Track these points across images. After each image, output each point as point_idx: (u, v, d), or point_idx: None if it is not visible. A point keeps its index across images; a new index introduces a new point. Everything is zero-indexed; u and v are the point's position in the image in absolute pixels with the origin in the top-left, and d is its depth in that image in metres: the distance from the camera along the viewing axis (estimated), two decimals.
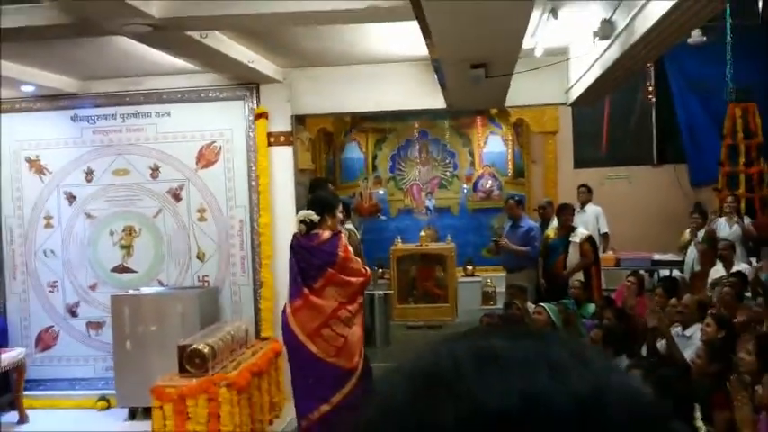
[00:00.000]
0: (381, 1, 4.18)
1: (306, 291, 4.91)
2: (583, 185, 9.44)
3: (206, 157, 6.71)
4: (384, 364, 6.48)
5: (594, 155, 10.99)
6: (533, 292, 7.83)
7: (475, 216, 11.45)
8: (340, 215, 5.34)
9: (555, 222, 8.45)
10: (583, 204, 9.28)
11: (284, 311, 5.08)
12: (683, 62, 9.97)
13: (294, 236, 5.07)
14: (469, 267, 10.81)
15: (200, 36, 4.81)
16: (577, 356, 0.60)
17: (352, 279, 4.97)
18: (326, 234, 4.98)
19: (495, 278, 9.96)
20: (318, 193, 5.71)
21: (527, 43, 5.21)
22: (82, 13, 4.11)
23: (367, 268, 5.25)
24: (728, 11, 7.69)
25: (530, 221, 8.39)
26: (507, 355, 0.59)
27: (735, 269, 7.20)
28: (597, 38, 4.98)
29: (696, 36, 7.07)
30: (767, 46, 9.72)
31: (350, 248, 5.08)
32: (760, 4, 8.27)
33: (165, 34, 4.54)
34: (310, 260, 4.94)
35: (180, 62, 5.83)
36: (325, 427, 4.76)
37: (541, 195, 10.60)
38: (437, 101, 6.59)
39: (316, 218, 4.97)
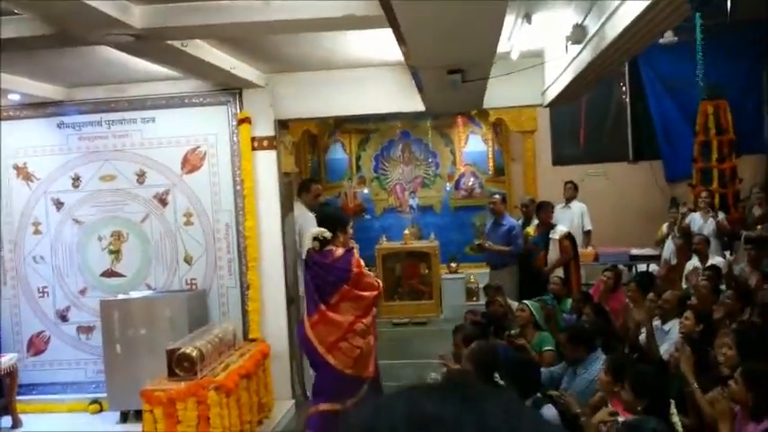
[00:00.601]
0: (357, 10, 4.32)
1: (323, 307, 5.09)
2: (569, 182, 9.61)
3: (191, 162, 6.82)
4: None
5: (572, 152, 11.21)
6: (516, 289, 8.00)
7: (457, 214, 11.63)
8: (350, 231, 5.53)
9: (536, 220, 8.63)
10: (568, 200, 9.46)
11: (301, 323, 5.28)
12: (656, 61, 10.20)
13: (308, 252, 5.23)
14: (453, 264, 10.98)
15: (182, 44, 4.92)
16: (510, 419, 0.65)
17: (366, 293, 5.16)
18: (340, 251, 5.19)
19: (479, 274, 10.14)
20: (328, 209, 6.02)
21: (503, 47, 5.36)
22: (63, 25, 4.20)
23: (379, 281, 5.45)
24: (698, 14, 7.88)
25: (511, 219, 8.56)
26: (440, 419, 0.64)
27: (709, 263, 7.40)
28: (570, 42, 5.15)
29: (668, 36, 7.26)
30: (737, 43, 9.95)
31: (362, 263, 5.28)
32: (729, 3, 8.47)
33: (147, 44, 4.64)
34: (325, 277, 5.13)
35: (163, 69, 5.94)
36: (331, 422, 4.98)
37: (522, 193, 10.79)
38: (416, 104, 6.73)
39: (329, 235, 5.18)
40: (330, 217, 5.49)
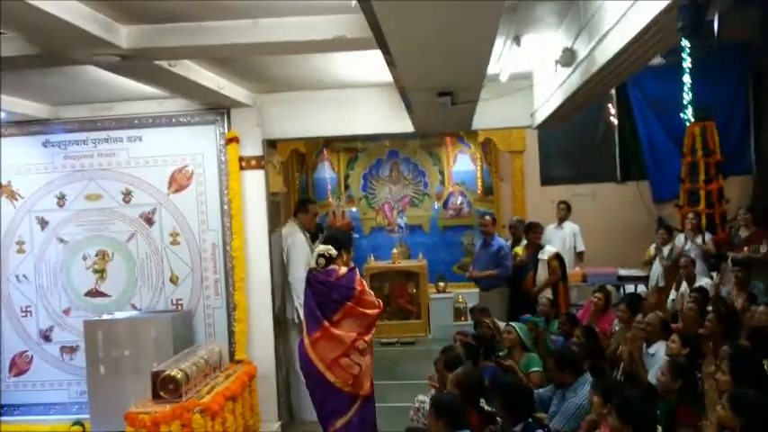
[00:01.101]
0: (348, 32, 4.31)
1: (326, 323, 5.22)
2: (562, 202, 9.63)
3: (178, 182, 6.78)
4: None
5: (561, 172, 11.25)
6: (506, 310, 7.97)
7: (446, 233, 11.63)
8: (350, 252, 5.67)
9: (525, 241, 8.62)
10: (561, 221, 9.47)
11: (301, 342, 5.40)
12: (644, 83, 10.27)
13: (310, 271, 5.42)
14: (441, 284, 10.95)
15: (169, 65, 4.90)
16: None
17: (369, 311, 5.32)
18: (344, 269, 5.36)
19: (467, 294, 10.11)
20: (334, 231, 6.14)
21: (492, 68, 5.36)
22: (49, 45, 4.16)
23: (379, 301, 5.56)
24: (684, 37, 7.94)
25: (500, 240, 8.54)
26: None
27: (696, 284, 7.40)
28: (559, 65, 5.16)
29: (655, 58, 7.28)
30: (723, 66, 10.05)
31: (365, 282, 5.44)
32: (716, 26, 8.57)
33: (134, 64, 4.61)
34: (329, 294, 5.27)
35: (151, 88, 5.91)
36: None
37: (510, 212, 10.80)
38: (405, 125, 6.73)
39: (334, 252, 5.34)
40: (336, 236, 5.68)
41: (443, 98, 5.08)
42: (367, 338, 5.31)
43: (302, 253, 6.74)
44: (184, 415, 5.21)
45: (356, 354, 5.24)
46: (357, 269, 5.52)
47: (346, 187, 11.82)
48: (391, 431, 5.89)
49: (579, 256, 9.33)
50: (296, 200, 11.35)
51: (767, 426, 3.47)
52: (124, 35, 4.24)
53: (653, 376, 5.15)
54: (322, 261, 5.32)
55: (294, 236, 6.87)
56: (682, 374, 4.52)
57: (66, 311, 6.91)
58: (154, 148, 6.77)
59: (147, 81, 5.49)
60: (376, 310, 5.39)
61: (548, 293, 7.81)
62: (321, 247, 5.39)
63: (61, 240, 6.90)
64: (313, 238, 6.96)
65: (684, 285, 7.67)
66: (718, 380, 4.28)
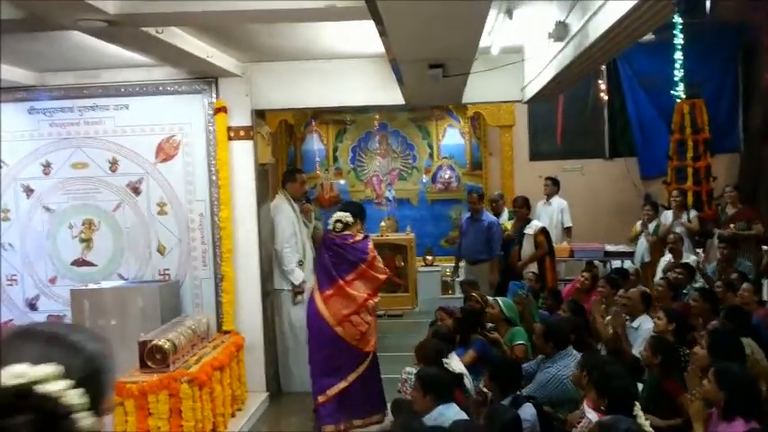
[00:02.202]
0: (338, 1, 4.25)
1: (340, 281, 5.64)
2: (549, 178, 9.63)
3: (165, 151, 6.72)
4: None
5: (549, 148, 11.25)
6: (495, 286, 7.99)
7: (434, 207, 11.64)
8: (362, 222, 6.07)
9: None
10: (549, 197, 9.48)
11: (312, 300, 5.78)
12: (634, 59, 10.26)
13: (326, 234, 5.93)
14: (429, 257, 10.98)
15: (157, 31, 4.82)
16: None
17: (379, 275, 5.80)
18: (359, 236, 5.85)
19: (454, 268, 10.13)
20: (352, 201, 6.68)
21: (484, 41, 5.32)
22: (34, 9, 4.08)
23: (386, 268, 6.01)
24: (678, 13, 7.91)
25: (490, 216, 8.54)
26: None
27: (683, 261, 7.47)
28: (552, 39, 5.13)
29: (647, 34, 7.25)
30: (713, 44, 10.04)
31: (375, 251, 5.90)
32: (708, 4, 8.52)
33: (121, 30, 4.52)
34: (344, 256, 5.70)
35: (138, 55, 5.82)
36: (341, 399, 5.63)
37: (498, 187, 10.81)
38: (395, 97, 6.68)
39: (351, 219, 5.80)
40: (354, 206, 6.18)
41: (435, 70, 5.04)
42: (375, 300, 5.79)
43: (288, 222, 6.75)
44: (172, 385, 5.22)
45: (365, 312, 5.67)
46: (370, 238, 5.98)
47: (335, 159, 11.78)
48: None
49: (567, 231, 9.37)
50: (284, 171, 11.35)
51: (749, 399, 3.51)
52: (111, 0, 4.16)
53: (638, 350, 5.22)
54: (339, 226, 5.75)
55: (281, 206, 6.87)
56: (662, 350, 4.59)
57: (53, 280, 6.87)
58: (141, 117, 6.70)
59: (134, 48, 5.40)
60: (384, 276, 5.86)
61: (533, 268, 7.83)
62: (339, 214, 5.81)
63: (47, 209, 6.84)
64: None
65: (663, 261, 7.74)
66: (695, 353, 4.34)
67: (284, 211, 6.87)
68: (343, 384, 5.63)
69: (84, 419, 1.21)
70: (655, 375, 4.60)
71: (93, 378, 1.26)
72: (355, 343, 5.64)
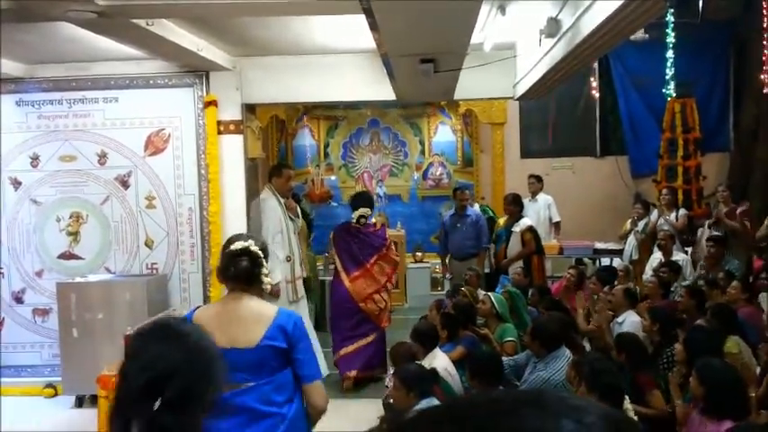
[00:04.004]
0: None
1: (367, 265, 6.61)
2: (532, 176, 9.63)
3: (154, 144, 6.68)
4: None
5: (540, 145, 11.25)
6: (483, 280, 7.98)
7: (424, 203, 11.62)
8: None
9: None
10: (534, 194, 9.48)
11: (340, 281, 6.66)
12: (626, 58, 10.26)
13: (349, 224, 6.77)
14: (419, 254, 10.95)
15: (147, 23, 4.78)
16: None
17: (395, 257, 6.86)
18: (379, 225, 7.20)
19: (442, 265, 10.12)
20: (363, 193, 7.58)
21: (476, 38, 5.31)
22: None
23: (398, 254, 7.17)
24: (670, 10, 7.92)
25: (475, 210, 8.53)
26: None
27: (673, 259, 7.48)
28: (543, 35, 5.11)
29: (638, 33, 7.27)
30: (704, 43, 10.05)
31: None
32: (700, 3, 8.54)
33: (111, 21, 4.49)
34: (369, 242, 6.70)
35: (128, 48, 5.78)
36: (356, 355, 6.57)
37: (489, 184, 10.80)
38: (386, 92, 6.66)
39: (369, 212, 6.80)
40: (369, 200, 7.00)
41: (426, 65, 5.02)
42: (391, 282, 6.84)
43: (275, 217, 6.67)
44: None
45: (384, 292, 6.67)
46: (386, 226, 7.26)
47: (326, 155, 11.74)
48: (367, 398, 5.92)
49: (555, 226, 9.36)
50: (272, 166, 11.29)
51: (730, 395, 3.51)
52: None
53: None
54: (363, 220, 6.71)
55: (267, 201, 6.78)
56: (626, 346, 4.65)
57: (39, 273, 6.82)
58: (130, 110, 6.66)
59: (124, 40, 5.37)
60: (398, 258, 7.02)
61: (520, 264, 7.79)
62: (361, 210, 6.68)
63: (35, 201, 6.79)
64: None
65: (652, 259, 7.76)
66: (677, 350, 4.36)
67: (271, 205, 6.79)
68: (362, 342, 6.60)
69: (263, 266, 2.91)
70: (628, 371, 4.63)
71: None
72: (374, 318, 6.60)
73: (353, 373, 6.51)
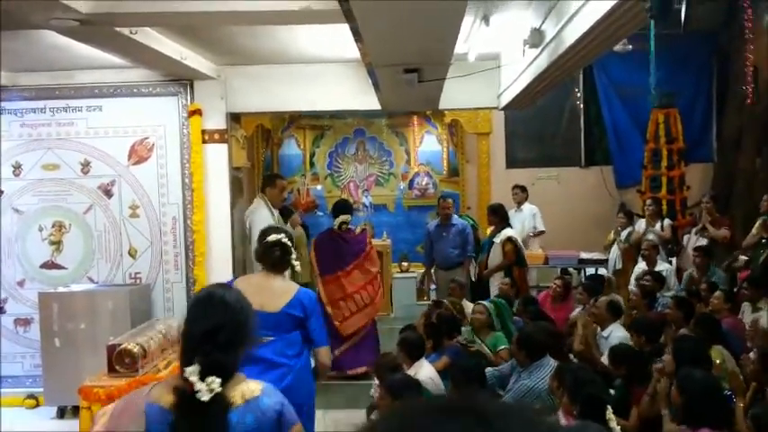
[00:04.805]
0: (314, 3, 4.23)
1: (340, 273, 6.82)
2: (516, 186, 9.64)
3: (138, 153, 6.65)
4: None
5: (526, 155, 11.29)
6: (468, 290, 7.97)
7: (410, 213, 11.62)
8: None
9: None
10: (519, 204, 9.49)
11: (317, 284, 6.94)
12: (610, 68, 10.33)
13: (331, 230, 7.03)
14: (405, 263, 10.94)
15: (131, 32, 4.77)
16: None
17: (373, 269, 7.11)
18: (359, 230, 7.24)
19: (423, 276, 10.11)
20: (346, 203, 7.74)
21: (460, 48, 5.34)
22: (5, 7, 4.01)
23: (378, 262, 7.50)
24: (652, 21, 7.97)
25: (460, 220, 8.52)
26: None
27: (657, 269, 7.51)
28: (527, 46, 5.15)
29: (621, 44, 7.32)
30: (689, 53, 10.14)
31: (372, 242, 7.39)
32: (683, 14, 8.61)
33: (94, 29, 4.48)
34: (348, 248, 6.90)
35: (112, 56, 5.76)
36: (351, 351, 6.89)
37: (475, 194, 10.82)
38: (372, 102, 6.67)
39: (350, 218, 7.04)
40: (349, 207, 7.28)
41: (410, 75, 5.04)
42: (366, 293, 6.98)
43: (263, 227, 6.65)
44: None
45: (351, 302, 6.88)
46: (367, 231, 7.43)
47: (311, 165, 11.73)
48: (354, 408, 5.89)
49: (538, 234, 9.33)
50: (261, 176, 11.25)
51: (709, 405, 3.52)
52: None
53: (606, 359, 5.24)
54: (345, 226, 6.93)
55: (258, 211, 6.75)
56: (624, 361, 4.63)
57: (21, 283, 6.76)
58: (114, 119, 6.63)
59: (108, 48, 5.35)
60: (376, 269, 7.24)
61: (501, 276, 7.76)
62: (343, 217, 6.95)
63: (17, 210, 6.74)
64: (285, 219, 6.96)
65: (636, 269, 7.79)
66: (665, 361, 4.36)
67: (262, 216, 6.75)
68: (348, 344, 6.87)
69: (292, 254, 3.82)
70: (621, 385, 4.64)
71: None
72: (337, 324, 6.76)
73: (362, 369, 6.76)
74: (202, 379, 2.13)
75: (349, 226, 7.04)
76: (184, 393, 2.14)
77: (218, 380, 2.14)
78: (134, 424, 2.17)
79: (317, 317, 3.88)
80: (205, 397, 2.12)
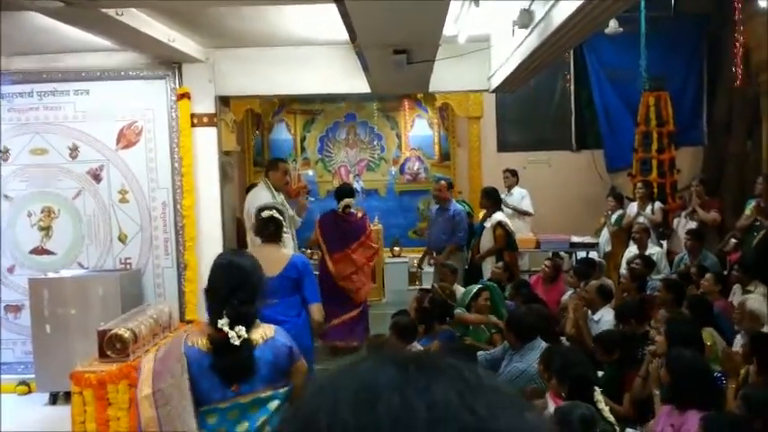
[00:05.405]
0: None
1: (348, 250, 7.26)
2: (507, 170, 9.65)
3: (127, 138, 6.60)
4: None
5: (517, 139, 11.28)
6: (462, 275, 7.95)
7: (402, 198, 11.61)
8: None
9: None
10: (509, 188, 9.49)
11: (323, 260, 7.30)
12: (601, 51, 10.31)
13: (334, 212, 7.40)
14: (396, 248, 10.94)
15: (117, 13, 4.71)
16: (466, 397, 0.62)
17: (374, 245, 7.71)
18: (360, 214, 7.69)
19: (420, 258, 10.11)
20: (347, 185, 8.06)
21: (450, 30, 5.31)
22: None
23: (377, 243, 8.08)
24: (642, 3, 7.97)
25: (456, 206, 8.48)
26: (388, 397, 0.61)
27: (648, 252, 7.54)
28: (517, 26, 5.12)
29: (612, 26, 7.32)
30: (678, 37, 10.14)
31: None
32: None
33: (79, 11, 4.41)
34: (350, 230, 7.33)
35: (99, 39, 5.70)
36: (345, 326, 7.23)
37: (466, 178, 10.80)
38: (362, 85, 6.64)
39: (353, 202, 7.47)
40: (352, 191, 7.66)
41: (398, 56, 5.01)
42: (370, 265, 7.72)
43: None
44: (132, 374, 5.10)
45: (361, 273, 7.38)
46: (367, 215, 7.87)
47: (302, 150, 11.68)
48: None
49: (525, 214, 9.32)
50: (251, 160, 11.22)
51: (696, 386, 3.54)
52: None
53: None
54: (348, 209, 7.33)
55: (258, 194, 6.69)
56: (614, 347, 4.65)
57: (11, 269, 6.72)
58: (102, 103, 6.58)
59: (94, 31, 5.28)
60: (377, 246, 7.89)
61: (493, 260, 7.76)
62: (347, 200, 7.35)
63: (5, 196, 6.69)
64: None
65: (627, 252, 7.82)
66: (655, 340, 4.38)
67: (260, 197, 6.70)
68: (342, 318, 7.16)
69: (284, 227, 4.82)
70: (613, 369, 4.66)
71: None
72: (352, 295, 7.26)
73: (339, 343, 7.20)
74: (232, 328, 2.74)
75: (351, 210, 7.44)
76: (219, 340, 2.76)
77: (244, 327, 2.76)
78: (177, 363, 2.76)
79: (311, 278, 4.70)
80: (236, 341, 2.74)
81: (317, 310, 4.62)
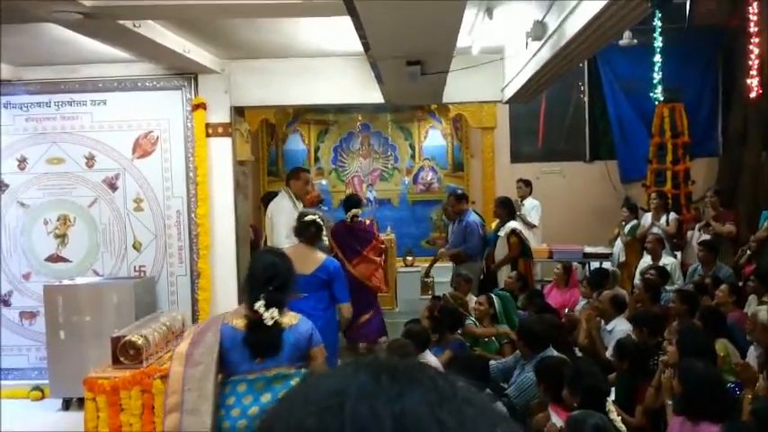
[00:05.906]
0: None
1: (363, 253, 7.52)
2: (521, 180, 9.64)
3: (143, 147, 6.67)
4: None
5: (530, 150, 11.27)
6: (476, 284, 7.95)
7: (415, 208, 11.61)
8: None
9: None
10: (522, 198, 9.48)
11: (344, 268, 7.02)
12: (615, 63, 10.31)
13: (344, 222, 7.60)
14: (409, 258, 10.92)
15: (134, 25, 4.77)
16: (435, 409, 0.61)
17: (382, 246, 8.00)
18: (368, 221, 8.16)
19: (434, 268, 10.10)
20: (354, 196, 8.50)
21: (464, 41, 5.34)
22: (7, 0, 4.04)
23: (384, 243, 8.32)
24: (657, 15, 7.97)
25: (471, 215, 8.45)
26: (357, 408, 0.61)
27: (661, 263, 7.50)
28: (530, 38, 5.14)
29: (626, 38, 7.31)
30: (693, 48, 10.11)
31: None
32: (687, 9, 8.62)
33: (97, 22, 4.48)
34: (361, 236, 7.62)
35: (116, 50, 5.77)
36: (368, 324, 7.50)
37: (479, 189, 10.80)
38: (375, 96, 6.67)
39: (360, 212, 7.73)
40: (358, 201, 7.93)
41: (412, 68, 5.03)
42: (383, 267, 8.07)
43: (284, 218, 6.53)
44: (144, 381, 5.16)
45: (380, 270, 7.78)
46: (373, 222, 8.34)
47: (316, 160, 11.73)
48: None
49: (529, 226, 9.28)
50: (265, 170, 11.27)
51: (709, 398, 3.52)
52: None
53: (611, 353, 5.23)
54: (356, 219, 7.60)
55: (279, 202, 6.71)
56: (627, 355, 4.63)
57: (26, 276, 6.79)
58: (118, 113, 6.65)
59: (112, 42, 5.36)
60: (383, 246, 8.10)
61: (509, 269, 7.76)
62: (354, 210, 7.58)
63: (22, 204, 6.77)
64: None
65: (642, 263, 7.78)
66: (667, 351, 4.36)
67: (284, 209, 6.70)
68: (361, 319, 7.28)
69: (323, 230, 5.24)
70: (626, 379, 4.64)
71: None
72: (376, 289, 7.74)
73: (362, 345, 7.48)
74: (266, 310, 3.20)
75: (359, 218, 7.71)
76: (254, 320, 3.23)
77: (276, 310, 3.22)
78: (213, 337, 3.22)
79: (341, 281, 5.14)
80: (269, 322, 3.21)
81: (346, 309, 5.13)
